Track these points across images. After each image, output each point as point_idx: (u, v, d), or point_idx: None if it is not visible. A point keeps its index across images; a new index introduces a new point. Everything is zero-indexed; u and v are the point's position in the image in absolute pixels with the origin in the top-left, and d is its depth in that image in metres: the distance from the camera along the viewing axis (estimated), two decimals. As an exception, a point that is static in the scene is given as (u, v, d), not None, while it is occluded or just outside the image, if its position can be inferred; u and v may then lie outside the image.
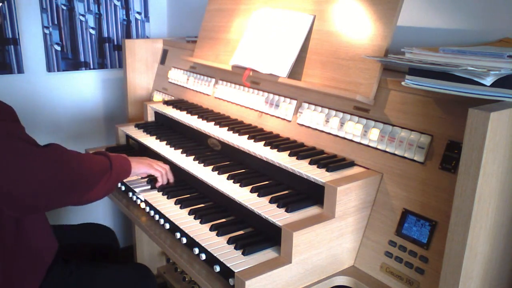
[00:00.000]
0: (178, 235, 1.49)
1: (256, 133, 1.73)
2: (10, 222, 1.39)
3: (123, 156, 1.63)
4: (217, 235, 1.41)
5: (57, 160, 1.36)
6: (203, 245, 1.36)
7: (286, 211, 1.35)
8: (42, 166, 1.31)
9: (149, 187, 1.77)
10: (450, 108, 1.25)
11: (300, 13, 1.70)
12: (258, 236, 1.40)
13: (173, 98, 2.41)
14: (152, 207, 1.64)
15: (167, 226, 1.55)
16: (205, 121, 1.93)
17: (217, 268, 1.30)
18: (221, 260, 1.28)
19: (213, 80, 2.14)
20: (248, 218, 1.48)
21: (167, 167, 1.77)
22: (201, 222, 1.50)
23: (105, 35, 2.77)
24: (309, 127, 1.64)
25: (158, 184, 1.75)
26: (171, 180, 1.78)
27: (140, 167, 1.66)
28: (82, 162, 1.43)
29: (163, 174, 1.74)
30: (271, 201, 1.41)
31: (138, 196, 1.73)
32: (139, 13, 2.87)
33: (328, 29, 1.61)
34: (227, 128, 1.82)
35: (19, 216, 1.40)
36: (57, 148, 1.41)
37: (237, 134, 1.75)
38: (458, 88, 1.12)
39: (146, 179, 1.83)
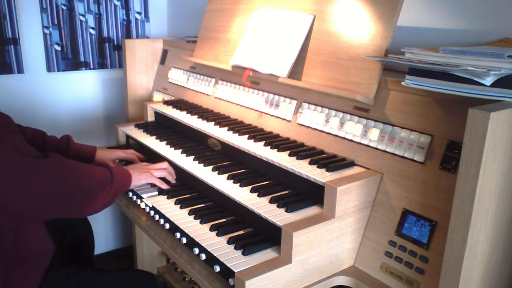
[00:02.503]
0: (178, 235, 1.49)
1: (256, 133, 1.73)
2: (9, 229, 1.38)
3: (124, 168, 1.61)
4: (217, 235, 1.41)
5: (54, 171, 1.34)
6: (203, 245, 1.36)
7: (286, 211, 1.35)
8: (39, 178, 1.29)
9: (149, 187, 1.77)
10: (450, 108, 1.25)
11: (300, 13, 1.70)
12: (258, 236, 1.40)
13: (173, 98, 2.41)
14: (152, 207, 1.64)
15: (167, 226, 1.55)
16: (205, 121, 1.93)
17: (217, 268, 1.30)
18: (221, 260, 1.28)
19: (213, 80, 2.14)
20: (248, 218, 1.48)
21: (165, 165, 1.75)
22: (201, 222, 1.50)
23: (105, 35, 2.77)
24: (309, 127, 1.64)
25: (164, 187, 1.73)
26: (172, 181, 1.77)
27: (141, 179, 1.64)
28: (82, 174, 1.41)
29: (167, 174, 1.73)
30: (271, 201, 1.41)
31: (138, 196, 1.73)
32: (139, 13, 2.87)
33: (328, 29, 1.61)
34: (227, 128, 1.82)
35: (17, 226, 1.39)
36: (56, 158, 1.38)
37: (237, 134, 1.75)
38: (458, 88, 1.12)
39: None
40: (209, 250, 1.33)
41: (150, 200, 1.67)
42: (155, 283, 1.72)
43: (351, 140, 1.49)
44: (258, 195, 1.45)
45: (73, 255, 1.93)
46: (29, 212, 1.31)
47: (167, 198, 1.68)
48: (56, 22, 2.58)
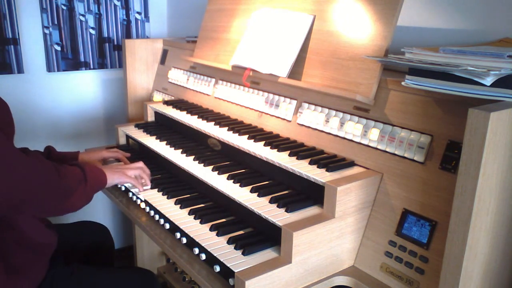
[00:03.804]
0: (178, 235, 1.49)
1: (256, 133, 1.73)
2: None
3: (97, 167, 1.62)
4: (217, 235, 1.41)
5: (37, 167, 1.34)
6: (203, 245, 1.36)
7: (286, 211, 1.35)
8: (24, 170, 1.29)
9: (149, 187, 1.77)
10: (450, 108, 1.25)
11: (300, 13, 1.70)
12: (258, 236, 1.40)
13: (173, 98, 2.41)
14: (152, 207, 1.64)
15: (167, 226, 1.55)
16: (205, 121, 1.93)
17: (217, 268, 1.30)
18: (221, 260, 1.28)
19: (213, 80, 2.14)
20: (248, 218, 1.48)
21: (140, 164, 1.76)
22: (201, 222, 1.50)
23: (105, 35, 2.77)
24: (309, 127, 1.64)
25: (140, 190, 1.73)
26: (148, 177, 1.77)
27: (114, 178, 1.64)
28: (58, 172, 1.41)
29: (138, 181, 1.72)
30: (271, 201, 1.41)
31: (138, 196, 1.73)
32: (139, 13, 2.87)
33: (328, 29, 1.61)
34: (227, 128, 1.82)
35: None
36: (37, 156, 1.39)
37: (237, 134, 1.75)
38: (458, 88, 1.12)
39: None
40: (209, 250, 1.33)
41: (150, 199, 1.67)
42: (153, 280, 1.73)
43: (351, 140, 1.49)
44: (258, 195, 1.45)
45: (92, 256, 1.95)
46: (5, 202, 1.29)
47: (167, 198, 1.68)
48: (56, 22, 2.58)
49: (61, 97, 2.74)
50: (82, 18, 2.66)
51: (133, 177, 1.71)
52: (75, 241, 1.89)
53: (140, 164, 1.76)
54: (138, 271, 1.80)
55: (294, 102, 1.71)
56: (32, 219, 1.52)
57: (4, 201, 1.29)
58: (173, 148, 1.89)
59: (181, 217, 1.54)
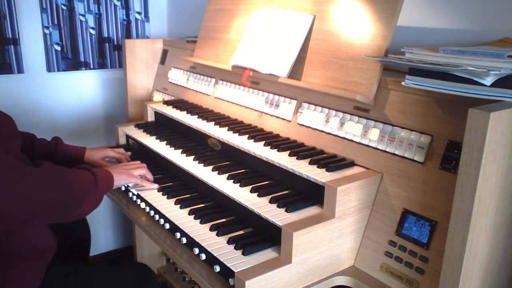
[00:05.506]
0: (178, 235, 1.49)
1: (256, 133, 1.73)
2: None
3: (106, 170, 1.62)
4: (217, 235, 1.41)
5: (46, 180, 1.34)
6: (203, 245, 1.36)
7: (286, 211, 1.35)
8: (31, 186, 1.29)
9: (156, 186, 1.77)
10: (450, 108, 1.25)
11: (300, 13, 1.70)
12: (258, 236, 1.40)
13: (173, 98, 2.41)
14: (152, 207, 1.64)
15: (167, 226, 1.55)
16: (205, 121, 1.93)
17: (217, 268, 1.30)
18: (221, 260, 1.28)
19: (213, 80, 2.14)
20: (248, 218, 1.48)
21: (143, 165, 1.77)
22: (201, 222, 1.50)
23: (105, 35, 2.77)
24: (309, 127, 1.64)
25: (149, 187, 1.74)
26: (151, 178, 1.78)
27: (121, 179, 1.65)
28: (70, 181, 1.42)
29: (143, 180, 1.73)
30: (271, 201, 1.41)
31: (138, 196, 1.73)
32: (139, 13, 2.87)
33: (328, 29, 1.61)
34: (227, 128, 1.82)
35: (6, 229, 1.38)
36: (47, 167, 1.39)
37: (237, 134, 1.75)
38: (458, 88, 1.12)
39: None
40: (209, 250, 1.33)
41: (150, 199, 1.67)
42: (149, 273, 1.73)
43: (351, 140, 1.49)
44: (258, 195, 1.45)
45: (73, 254, 1.94)
46: (18, 217, 1.31)
47: (167, 198, 1.68)
48: (56, 22, 2.58)
49: (61, 97, 2.74)
50: (82, 18, 2.66)
51: (139, 177, 1.72)
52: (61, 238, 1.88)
53: (144, 165, 1.77)
54: (133, 265, 1.81)
55: (294, 102, 1.71)
56: (38, 226, 1.52)
57: (16, 216, 1.29)
58: (173, 148, 1.89)
59: (181, 217, 1.54)
